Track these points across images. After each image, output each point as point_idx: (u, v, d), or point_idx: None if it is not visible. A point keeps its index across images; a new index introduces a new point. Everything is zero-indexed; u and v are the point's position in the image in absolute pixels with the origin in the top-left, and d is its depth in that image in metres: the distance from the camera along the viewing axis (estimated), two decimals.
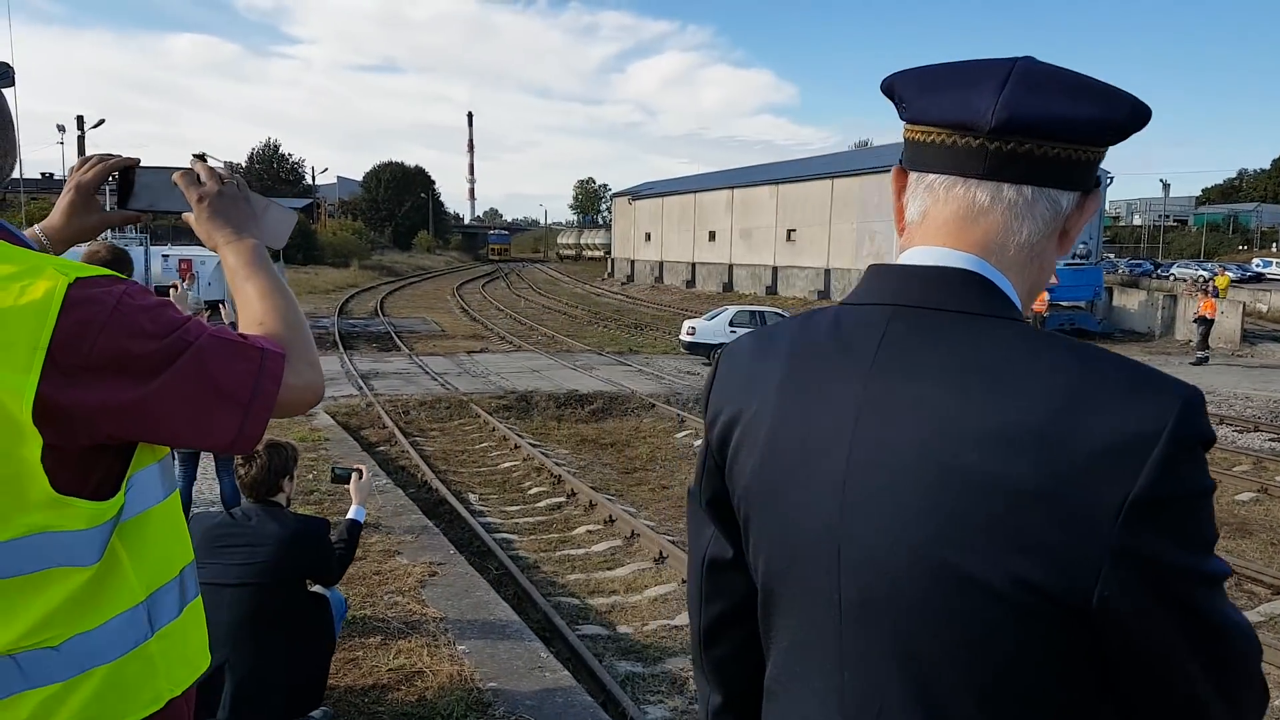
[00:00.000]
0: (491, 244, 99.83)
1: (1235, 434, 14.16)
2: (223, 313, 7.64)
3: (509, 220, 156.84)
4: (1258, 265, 50.06)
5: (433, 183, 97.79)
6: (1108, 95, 0.86)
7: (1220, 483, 11.10)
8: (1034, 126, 0.85)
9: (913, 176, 0.94)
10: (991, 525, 0.79)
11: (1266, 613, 7.43)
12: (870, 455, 0.85)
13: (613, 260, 67.50)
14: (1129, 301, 29.45)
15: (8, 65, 1.22)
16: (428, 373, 18.73)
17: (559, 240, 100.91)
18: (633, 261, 62.66)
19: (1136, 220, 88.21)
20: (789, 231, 44.60)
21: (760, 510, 0.95)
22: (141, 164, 1.48)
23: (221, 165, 1.49)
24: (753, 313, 21.80)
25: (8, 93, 1.22)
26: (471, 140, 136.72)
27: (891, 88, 0.95)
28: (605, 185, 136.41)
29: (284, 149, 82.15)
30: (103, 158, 1.50)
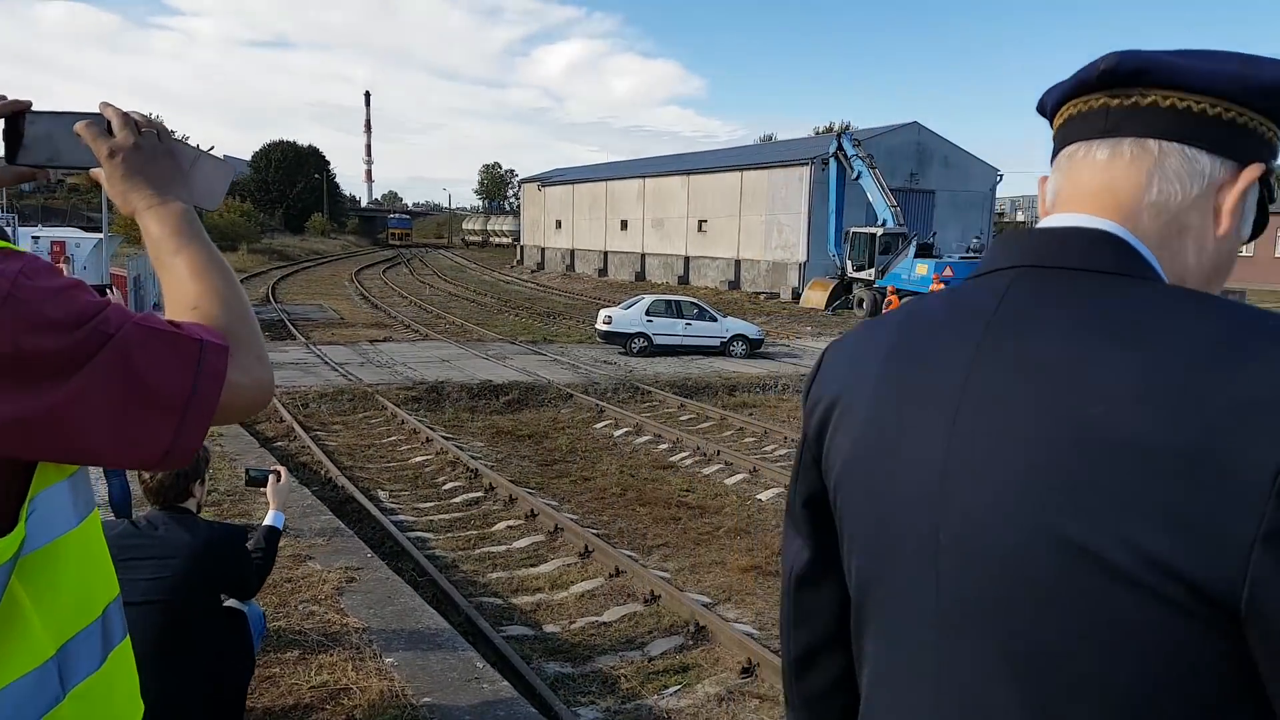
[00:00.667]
0: (392, 228, 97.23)
1: None
2: (111, 300, 6.92)
3: (410, 204, 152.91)
4: None
5: (328, 164, 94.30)
6: (1241, 55, 0.81)
7: None
8: (1146, 72, 0.81)
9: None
10: (1120, 492, 0.68)
11: None
12: (976, 420, 0.77)
13: (522, 247, 66.68)
14: None
15: None
16: (327, 363, 17.94)
17: (464, 226, 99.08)
18: (543, 249, 62.02)
19: (1020, 216, 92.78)
20: (700, 222, 44.88)
21: (853, 498, 0.88)
22: (34, 108, 1.17)
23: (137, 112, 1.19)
24: (669, 302, 21.74)
25: None
26: (369, 120, 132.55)
27: (1040, 104, 0.95)
28: (512, 170, 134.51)
29: (166, 125, 77.73)
30: None
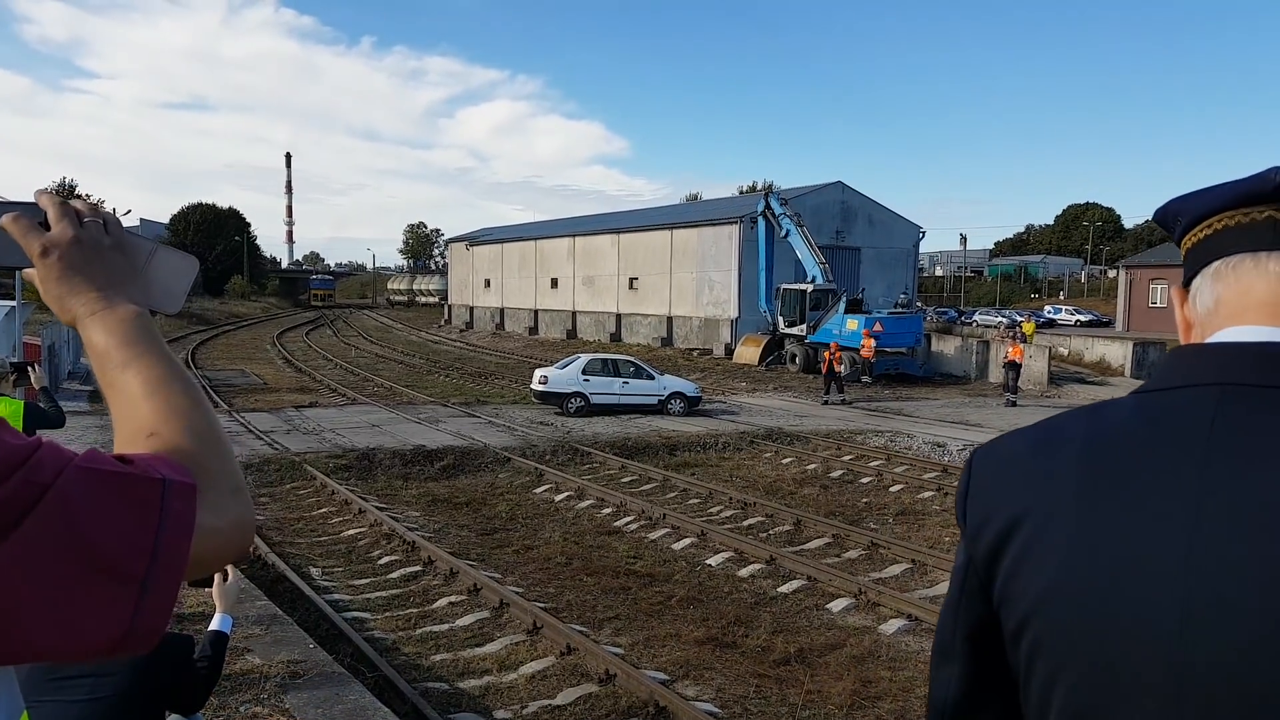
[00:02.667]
0: (314, 289, 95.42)
1: None
2: (31, 377, 6.26)
3: (333, 264, 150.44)
4: (1049, 312, 55.55)
5: (248, 225, 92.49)
6: None
7: None
8: None
9: (1196, 280, 0.92)
10: None
11: None
12: (1219, 558, 0.74)
13: (450, 307, 65.99)
14: (946, 347, 31.65)
15: None
16: (252, 431, 17.14)
17: (390, 285, 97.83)
18: (471, 308, 61.47)
19: (939, 271, 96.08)
20: (632, 279, 45.14)
21: (1060, 629, 0.81)
22: None
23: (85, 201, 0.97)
24: (605, 360, 21.55)
25: None
26: (290, 181, 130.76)
27: (1166, 213, 0.96)
28: (438, 230, 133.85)
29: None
30: None
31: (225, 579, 3.04)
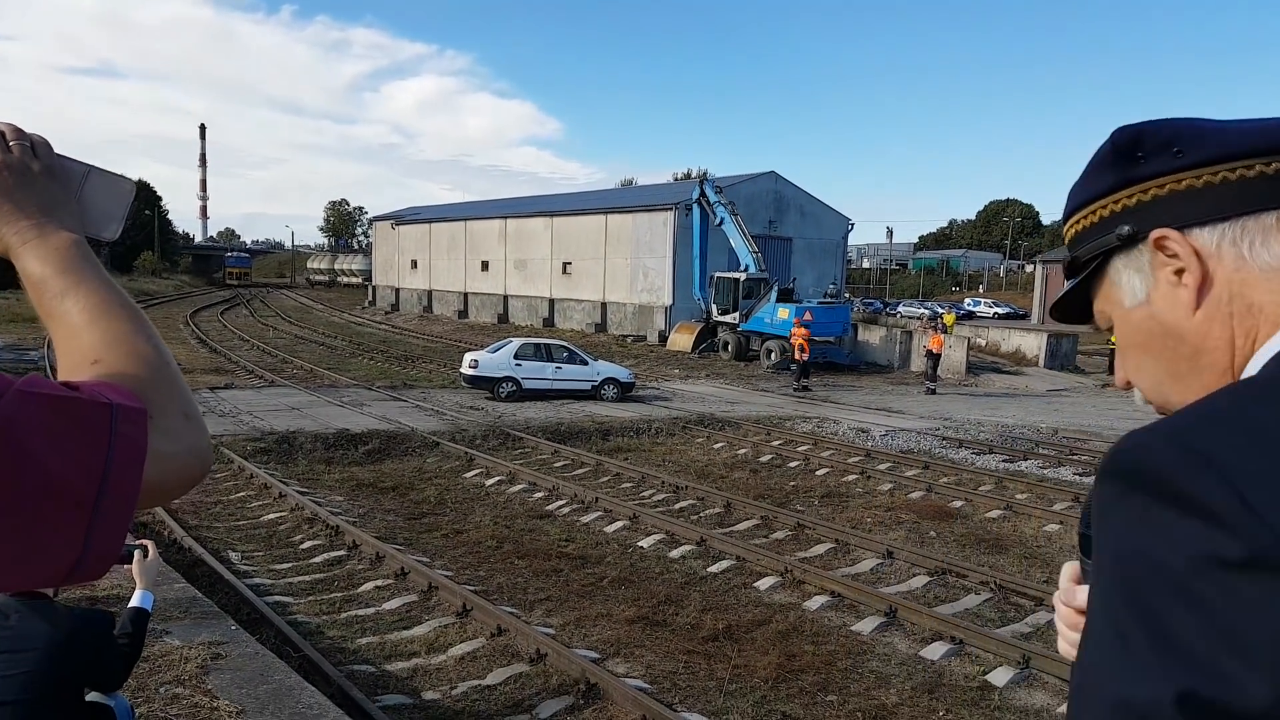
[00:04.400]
0: (229, 267, 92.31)
1: (974, 456, 15.76)
2: None
3: (249, 242, 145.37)
4: (969, 304, 57.44)
5: (159, 199, 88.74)
6: None
7: (970, 502, 12.32)
8: None
9: (1230, 230, 0.75)
10: None
11: (1033, 623, 8.07)
12: None
13: (374, 288, 64.55)
14: (871, 337, 32.42)
15: None
16: None
17: (310, 265, 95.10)
18: (397, 290, 60.24)
19: (866, 263, 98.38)
20: (565, 264, 44.87)
21: None
22: None
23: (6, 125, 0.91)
24: (538, 345, 21.38)
25: None
26: (204, 154, 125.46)
27: (1149, 136, 0.79)
28: (361, 208, 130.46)
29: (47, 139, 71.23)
30: None
31: (145, 555, 2.93)
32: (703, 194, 32.84)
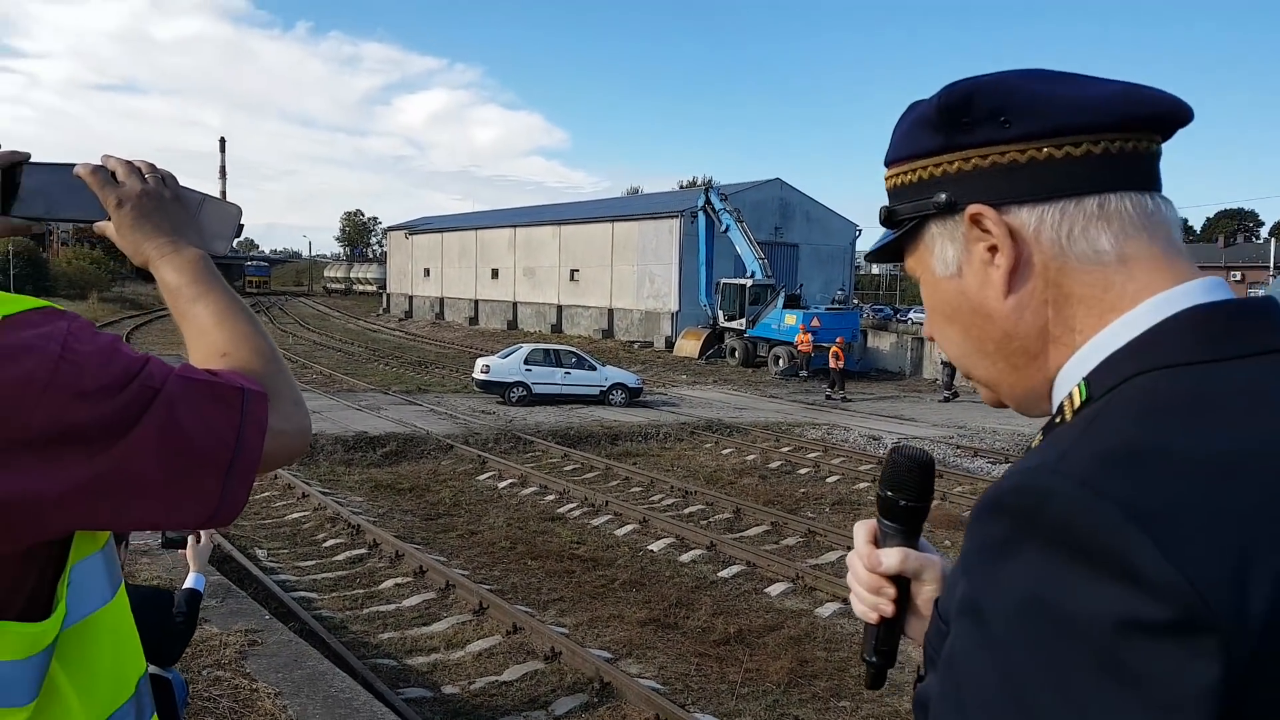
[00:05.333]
0: (249, 275, 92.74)
1: (989, 465, 15.88)
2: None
3: (267, 251, 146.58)
4: None
5: None
6: None
7: None
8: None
9: (1048, 213, 0.70)
10: None
11: None
12: None
13: (388, 296, 64.99)
14: (881, 343, 32.55)
15: None
16: None
17: (326, 274, 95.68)
18: (411, 297, 60.67)
19: (875, 269, 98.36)
20: (573, 271, 45.16)
21: None
22: (30, 160, 1.12)
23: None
24: (548, 350, 21.67)
25: None
26: (224, 167, 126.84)
27: (969, 100, 0.71)
28: (375, 218, 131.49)
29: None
30: None
31: (199, 541, 3.17)
32: (708, 201, 33.06)
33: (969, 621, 0.59)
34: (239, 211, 1.26)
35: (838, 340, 25.07)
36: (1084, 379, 0.67)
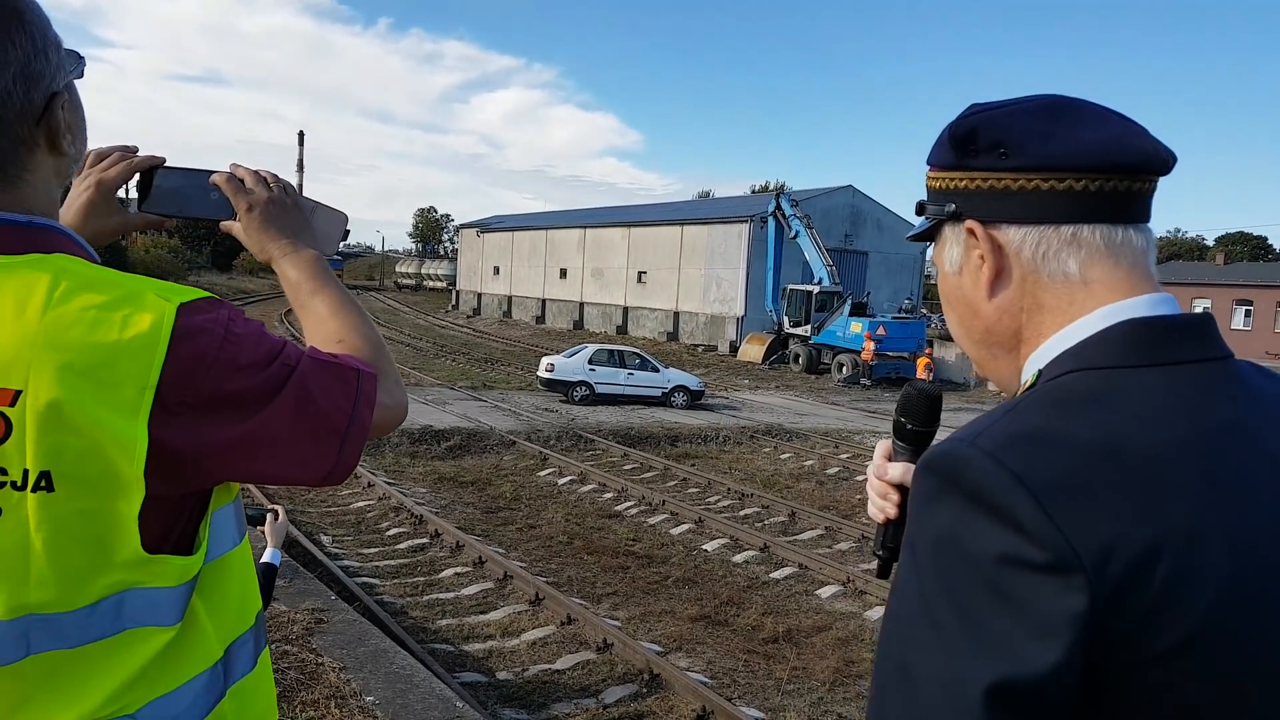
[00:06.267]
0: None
1: None
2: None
3: (342, 245, 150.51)
4: None
5: None
6: None
7: None
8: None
9: (1030, 236, 0.82)
10: None
11: None
12: None
13: (458, 292, 66.25)
14: (947, 354, 31.91)
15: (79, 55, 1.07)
16: None
17: (398, 269, 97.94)
18: (479, 295, 61.77)
19: None
20: (640, 273, 45.44)
21: (1223, 658, 0.68)
22: (166, 164, 1.31)
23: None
24: (612, 351, 21.92)
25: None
26: (301, 160, 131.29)
27: (975, 132, 0.84)
28: (448, 215, 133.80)
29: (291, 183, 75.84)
30: (125, 152, 1.32)
31: (275, 519, 3.40)
32: (778, 207, 32.95)
33: (906, 552, 0.74)
34: (345, 218, 1.45)
35: (926, 351, 24.90)
36: (1037, 370, 0.82)
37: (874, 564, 1.12)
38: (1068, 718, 0.68)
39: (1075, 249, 0.81)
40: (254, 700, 1.10)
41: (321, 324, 1.19)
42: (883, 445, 1.08)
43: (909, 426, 1.05)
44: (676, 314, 42.46)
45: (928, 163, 0.92)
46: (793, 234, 32.15)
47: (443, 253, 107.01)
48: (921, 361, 24.61)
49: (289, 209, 1.28)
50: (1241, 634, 0.68)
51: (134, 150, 1.32)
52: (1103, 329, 0.79)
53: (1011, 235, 0.83)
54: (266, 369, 0.98)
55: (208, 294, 1.00)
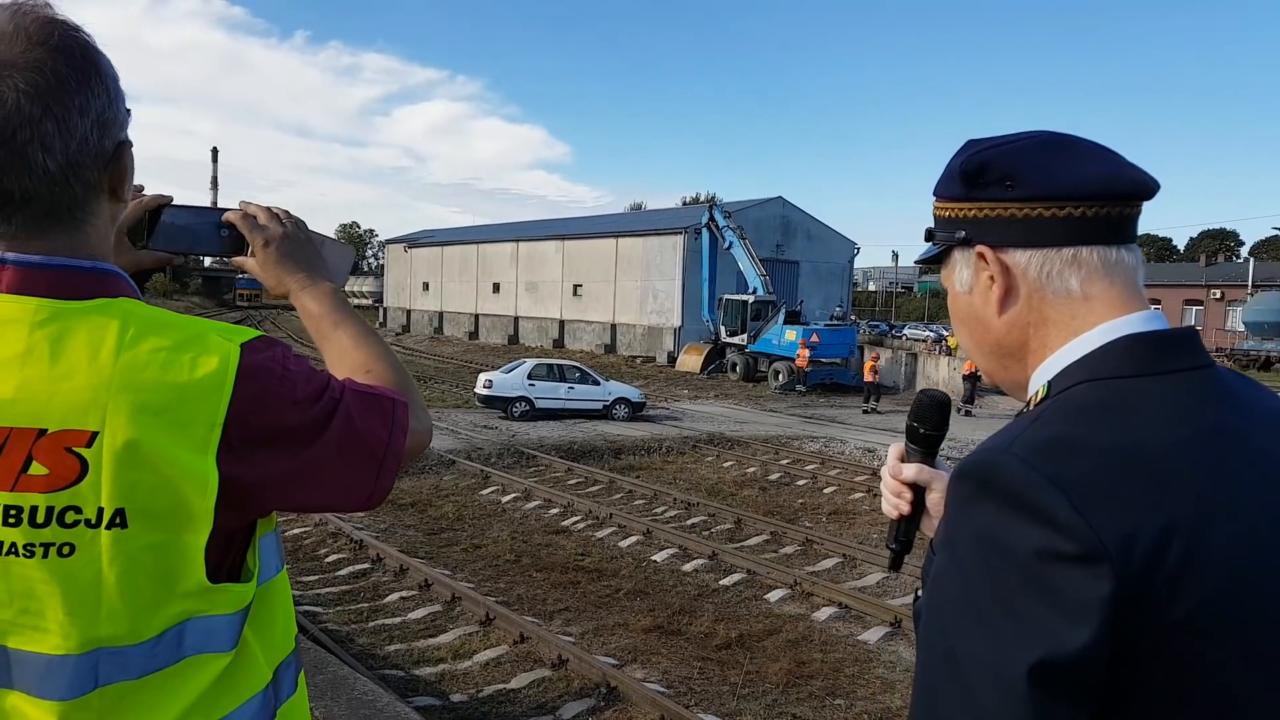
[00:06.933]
0: (240, 288, 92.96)
1: None
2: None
3: None
4: None
5: None
6: None
7: None
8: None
9: (1035, 259, 0.92)
10: None
11: None
12: None
13: (385, 309, 65.19)
14: (879, 360, 32.68)
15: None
16: None
17: None
18: (409, 311, 60.88)
19: (871, 286, 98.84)
20: (575, 286, 45.37)
21: (1230, 619, 0.77)
22: (173, 203, 1.31)
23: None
24: (551, 365, 21.80)
25: None
26: (215, 177, 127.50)
27: (984, 167, 0.92)
28: (372, 230, 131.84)
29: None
30: (135, 194, 1.31)
31: None
32: (712, 219, 33.34)
33: (946, 551, 0.82)
34: (353, 251, 1.46)
35: (873, 355, 25.58)
36: (1047, 381, 0.91)
37: (887, 557, 1.21)
38: (1099, 690, 0.76)
39: (1076, 268, 0.91)
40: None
41: (346, 354, 1.21)
42: (895, 447, 1.17)
43: (921, 430, 1.13)
44: (614, 326, 42.51)
45: (935, 194, 1.00)
46: (726, 245, 32.56)
47: (367, 269, 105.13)
48: (868, 365, 25.30)
49: (303, 244, 1.29)
50: (1247, 598, 0.77)
51: (140, 189, 1.30)
52: (1105, 344, 0.88)
53: (1018, 258, 0.92)
54: (318, 402, 1.01)
55: (262, 333, 1.04)
